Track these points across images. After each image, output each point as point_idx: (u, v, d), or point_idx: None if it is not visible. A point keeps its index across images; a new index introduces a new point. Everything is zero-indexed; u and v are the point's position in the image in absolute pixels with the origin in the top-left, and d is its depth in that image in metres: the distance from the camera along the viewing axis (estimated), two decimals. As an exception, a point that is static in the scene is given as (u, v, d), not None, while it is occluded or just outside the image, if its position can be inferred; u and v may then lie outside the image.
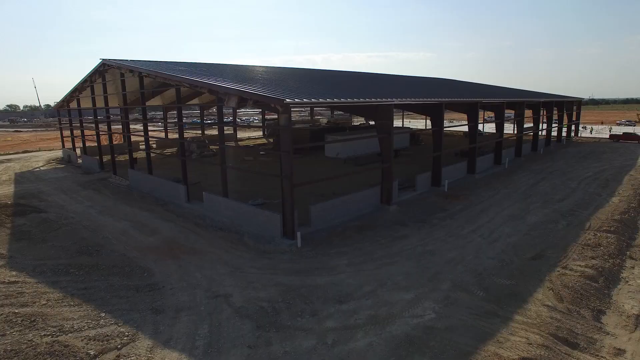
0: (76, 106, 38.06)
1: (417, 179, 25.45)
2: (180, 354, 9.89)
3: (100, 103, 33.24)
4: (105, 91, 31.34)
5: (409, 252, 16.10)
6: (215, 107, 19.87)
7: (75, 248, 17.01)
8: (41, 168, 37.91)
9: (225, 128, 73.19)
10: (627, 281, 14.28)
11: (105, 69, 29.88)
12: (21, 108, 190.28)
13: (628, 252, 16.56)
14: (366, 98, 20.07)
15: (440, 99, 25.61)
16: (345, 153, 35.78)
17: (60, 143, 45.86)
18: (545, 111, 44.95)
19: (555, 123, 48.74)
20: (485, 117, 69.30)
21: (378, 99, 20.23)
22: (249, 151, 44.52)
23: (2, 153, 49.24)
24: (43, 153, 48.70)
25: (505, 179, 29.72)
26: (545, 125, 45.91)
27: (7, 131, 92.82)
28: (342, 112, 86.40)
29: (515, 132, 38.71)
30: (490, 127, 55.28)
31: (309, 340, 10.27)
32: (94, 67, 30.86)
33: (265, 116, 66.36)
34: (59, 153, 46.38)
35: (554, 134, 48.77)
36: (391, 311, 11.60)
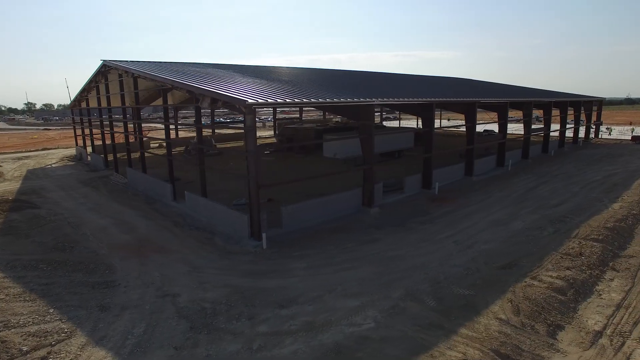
0: (85, 106, 39.50)
1: (406, 181, 24.85)
2: (107, 352, 10.01)
3: (104, 103, 34.31)
4: (107, 91, 32.34)
5: (373, 257, 15.71)
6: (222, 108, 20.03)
7: (52, 244, 17.60)
8: (53, 165, 39.61)
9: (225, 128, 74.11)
10: (601, 294, 13.38)
11: (106, 70, 30.81)
12: (55, 107, 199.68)
13: (611, 263, 15.53)
14: (343, 98, 19.71)
15: (429, 99, 24.86)
16: (343, 153, 35.40)
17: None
18: (559, 111, 42.86)
19: (571, 124, 46.49)
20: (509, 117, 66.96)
21: (354, 99, 19.83)
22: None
23: (23, 150, 51.80)
24: (60, 151, 50.89)
25: (504, 182, 28.59)
26: (555, 127, 43.82)
27: (37, 129, 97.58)
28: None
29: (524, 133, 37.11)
30: (514, 128, 53.37)
31: (235, 345, 10.17)
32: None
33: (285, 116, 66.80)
34: (73, 151, 48.32)
35: (570, 135, 46.49)
36: (330, 318, 11.32)
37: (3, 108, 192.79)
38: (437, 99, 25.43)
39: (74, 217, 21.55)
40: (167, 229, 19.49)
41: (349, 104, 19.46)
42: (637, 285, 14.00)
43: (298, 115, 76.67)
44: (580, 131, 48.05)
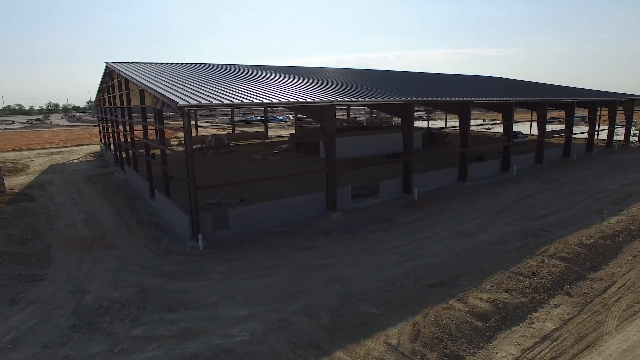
0: (102, 105, 42.08)
1: (380, 185, 23.72)
2: (-17, 345, 10.46)
3: (111, 103, 36.28)
4: (112, 91, 34.17)
5: (299, 264, 15.12)
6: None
7: (18, 236, 18.82)
8: (74, 161, 42.64)
9: (256, 126, 75.12)
10: (533, 323, 11.86)
11: (110, 71, 32.54)
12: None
13: (568, 287, 13.73)
14: (300, 98, 19.14)
15: (409, 99, 23.47)
16: (339, 154, 34.49)
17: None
18: (587, 112, 38.80)
19: (604, 125, 41.87)
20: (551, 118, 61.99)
21: (312, 100, 19.19)
22: (266, 149, 45.11)
23: (60, 146, 56.31)
24: (90, 147, 54.68)
25: (499, 189, 26.38)
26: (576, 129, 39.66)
27: (89, 126, 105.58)
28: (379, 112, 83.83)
29: (538, 135, 34.02)
30: (552, 128, 49.27)
31: (100, 346, 10.20)
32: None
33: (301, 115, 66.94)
34: (99, 147, 51.73)
35: (602, 137, 41.92)
36: (208, 327, 11.02)
37: (69, 106, 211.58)
38: (417, 99, 23.97)
39: (56, 212, 22.95)
40: (128, 226, 20.12)
41: (305, 104, 18.87)
42: (583, 314, 12.28)
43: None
44: (613, 133, 43.06)
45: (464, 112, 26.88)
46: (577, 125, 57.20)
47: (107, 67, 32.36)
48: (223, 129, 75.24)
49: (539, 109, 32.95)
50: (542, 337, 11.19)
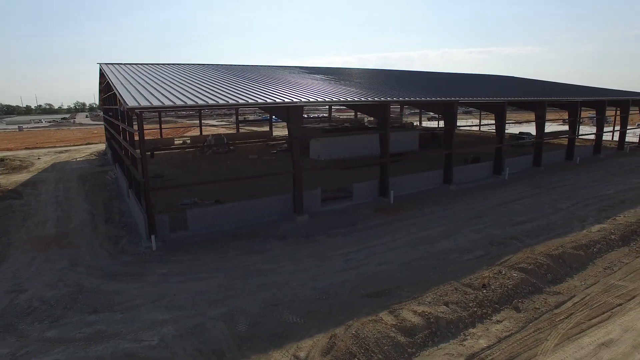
0: (102, 104, 43.14)
1: (354, 188, 23.11)
2: None
3: (111, 102, 37.07)
4: (107, 91, 34.91)
5: (240, 268, 14.85)
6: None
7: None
8: (77, 159, 43.88)
9: (260, 125, 75.14)
10: (465, 339, 11.14)
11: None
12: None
13: (517, 301, 12.86)
14: (260, 99, 18.82)
15: (385, 99, 22.74)
16: (327, 155, 34.15)
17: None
18: (595, 112, 36.68)
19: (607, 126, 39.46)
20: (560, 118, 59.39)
21: (281, 100, 18.85)
22: (266, 149, 44.93)
23: (71, 144, 58.18)
24: (98, 146, 56.22)
25: (483, 193, 25.24)
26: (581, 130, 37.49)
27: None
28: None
29: (536, 137, 32.40)
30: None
31: (9, 348, 10.24)
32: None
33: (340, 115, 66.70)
34: (104, 146, 53.14)
35: (610, 138, 39.56)
36: (122, 330, 10.90)
37: (94, 105, 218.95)
38: (393, 100, 23.20)
39: (35, 210, 23.56)
40: (95, 226, 20.37)
41: (273, 105, 18.52)
42: (524, 332, 11.44)
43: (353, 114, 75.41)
44: (624, 135, 40.51)
45: (449, 113, 25.86)
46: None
47: (100, 69, 33.05)
48: (228, 128, 75.86)
49: (537, 109, 31.36)
50: (469, 355, 10.47)
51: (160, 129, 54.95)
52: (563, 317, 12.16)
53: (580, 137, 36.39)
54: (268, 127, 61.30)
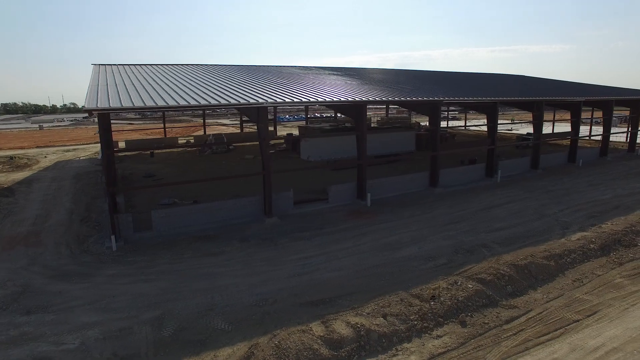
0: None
1: (330, 190, 22.61)
2: None
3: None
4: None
5: (190, 271, 14.66)
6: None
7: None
8: (80, 158, 44.96)
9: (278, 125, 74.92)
10: (395, 355, 10.65)
11: (99, 73, 33.83)
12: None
13: (464, 315, 12.15)
14: (229, 100, 18.58)
15: (360, 99, 22.12)
16: (317, 155, 33.68)
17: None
18: (602, 112, 34.78)
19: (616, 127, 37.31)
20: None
21: (246, 101, 18.58)
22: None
23: (80, 142, 59.77)
24: (106, 144, 57.54)
25: (468, 197, 24.26)
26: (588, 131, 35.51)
27: (123, 123, 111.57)
28: (398, 109, 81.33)
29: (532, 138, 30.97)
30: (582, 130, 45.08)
31: None
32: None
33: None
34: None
35: (624, 139, 37.41)
36: (47, 332, 10.88)
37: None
38: (371, 99, 22.52)
39: (20, 208, 24.11)
40: (69, 225, 20.59)
41: (239, 105, 18.28)
42: (462, 349, 10.79)
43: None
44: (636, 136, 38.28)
45: (434, 113, 24.99)
46: (616, 126, 51.88)
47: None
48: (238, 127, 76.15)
49: (534, 109, 29.97)
50: (394, 371, 9.92)
51: (165, 128, 55.73)
52: (510, 333, 11.40)
53: (583, 138, 34.59)
54: (285, 126, 61.28)
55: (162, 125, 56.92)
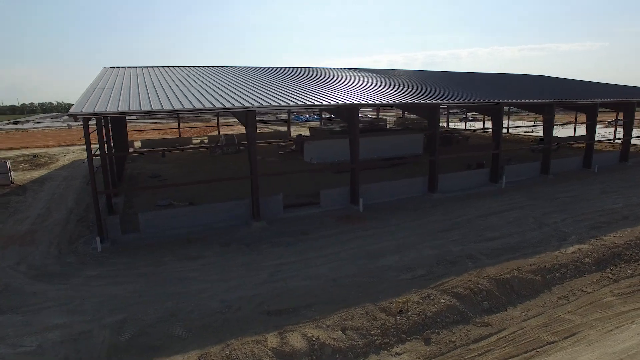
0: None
1: (321, 195, 22.32)
2: None
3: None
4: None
5: (166, 274, 14.78)
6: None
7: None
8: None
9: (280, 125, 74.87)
10: (351, 370, 10.21)
11: (110, 75, 34.83)
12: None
13: (431, 331, 11.62)
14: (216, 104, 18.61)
15: (351, 103, 21.66)
16: (320, 158, 33.40)
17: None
18: (622, 115, 32.74)
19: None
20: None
21: (232, 105, 18.58)
22: (277, 150, 44.82)
23: (102, 142, 61.84)
24: (125, 144, 59.28)
25: (467, 203, 23.37)
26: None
27: (150, 122, 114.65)
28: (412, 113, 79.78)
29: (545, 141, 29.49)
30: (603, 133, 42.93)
31: None
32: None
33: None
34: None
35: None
36: (10, 333, 11.20)
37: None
38: (363, 102, 22.00)
39: (27, 206, 25.13)
40: (65, 224, 21.23)
41: (223, 109, 18.33)
42: (420, 367, 10.28)
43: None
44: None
45: (433, 116, 24.24)
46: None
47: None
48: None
49: (545, 112, 28.56)
50: (343, 389, 9.58)
51: (179, 128, 56.93)
52: (476, 354, 10.82)
53: (602, 142, 32.71)
54: (292, 128, 61.48)
55: (187, 124, 58.38)
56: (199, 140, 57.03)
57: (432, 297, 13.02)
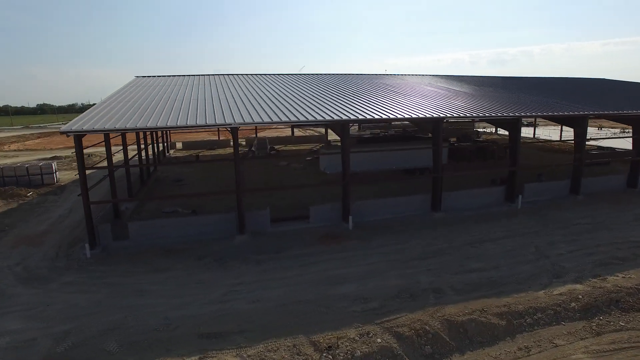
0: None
1: (311, 211, 22.02)
2: None
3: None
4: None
5: (129, 286, 15.53)
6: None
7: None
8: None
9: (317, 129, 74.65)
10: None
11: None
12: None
13: (357, 372, 11.01)
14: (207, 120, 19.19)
15: (334, 119, 21.00)
16: (333, 168, 32.95)
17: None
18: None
19: None
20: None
21: (213, 122, 19.09)
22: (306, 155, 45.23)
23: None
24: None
25: (465, 225, 21.66)
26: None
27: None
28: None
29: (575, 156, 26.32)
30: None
31: None
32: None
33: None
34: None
35: None
36: (-28, 335, 12.48)
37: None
38: (342, 119, 21.22)
39: (57, 206, 27.92)
40: (75, 227, 23.20)
41: (205, 125, 18.89)
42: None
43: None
44: None
45: (436, 131, 22.81)
46: None
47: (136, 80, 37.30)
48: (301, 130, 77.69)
49: (576, 125, 25.49)
50: None
51: (218, 130, 59.46)
52: (390, 405, 10.04)
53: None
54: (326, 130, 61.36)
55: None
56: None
57: (370, 335, 12.30)
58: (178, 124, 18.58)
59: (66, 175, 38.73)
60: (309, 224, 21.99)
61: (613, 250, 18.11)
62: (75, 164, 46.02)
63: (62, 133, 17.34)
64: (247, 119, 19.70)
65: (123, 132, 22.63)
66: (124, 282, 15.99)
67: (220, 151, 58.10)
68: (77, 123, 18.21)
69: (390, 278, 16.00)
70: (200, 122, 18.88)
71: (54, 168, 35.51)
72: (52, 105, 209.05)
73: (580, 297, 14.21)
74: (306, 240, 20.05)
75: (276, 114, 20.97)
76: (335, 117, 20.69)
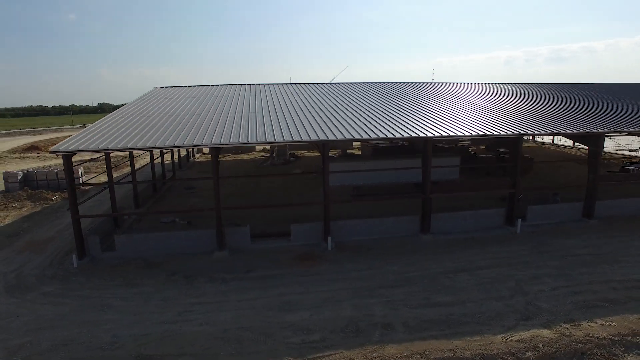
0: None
1: (292, 230, 21.94)
2: None
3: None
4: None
5: (98, 299, 16.37)
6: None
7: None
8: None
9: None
10: None
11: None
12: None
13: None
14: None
15: (327, 137, 20.71)
16: (339, 181, 32.50)
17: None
18: None
19: None
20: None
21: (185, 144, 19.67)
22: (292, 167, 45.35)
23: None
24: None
25: (449, 251, 20.52)
26: None
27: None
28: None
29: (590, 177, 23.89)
30: None
31: None
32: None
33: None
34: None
35: None
36: (-54, 341, 13.86)
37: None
38: (328, 138, 20.82)
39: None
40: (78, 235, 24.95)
41: (181, 146, 19.53)
42: None
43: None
44: None
45: (425, 151, 21.80)
46: None
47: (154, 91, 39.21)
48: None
49: (590, 143, 23.14)
50: None
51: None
52: None
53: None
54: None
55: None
56: (262, 147, 60.45)
57: (296, 372, 12.10)
58: (166, 144, 19.40)
59: (95, 179, 41.59)
60: (290, 242, 21.97)
61: (605, 290, 16.32)
62: (104, 167, 49.44)
63: (51, 153, 18.74)
64: (331, 136, 20.54)
65: (107, 152, 23.57)
66: (93, 295, 16.95)
67: (244, 156, 59.77)
68: (67, 143, 19.56)
69: (346, 308, 15.57)
70: (186, 142, 19.59)
71: (80, 173, 38.32)
72: (111, 105, 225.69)
73: (540, 345, 12.98)
74: (280, 261, 20.04)
75: (363, 130, 22.01)
76: (413, 135, 21.33)
